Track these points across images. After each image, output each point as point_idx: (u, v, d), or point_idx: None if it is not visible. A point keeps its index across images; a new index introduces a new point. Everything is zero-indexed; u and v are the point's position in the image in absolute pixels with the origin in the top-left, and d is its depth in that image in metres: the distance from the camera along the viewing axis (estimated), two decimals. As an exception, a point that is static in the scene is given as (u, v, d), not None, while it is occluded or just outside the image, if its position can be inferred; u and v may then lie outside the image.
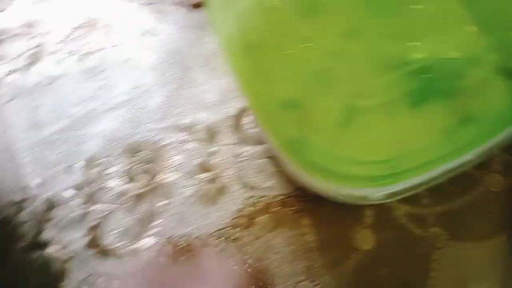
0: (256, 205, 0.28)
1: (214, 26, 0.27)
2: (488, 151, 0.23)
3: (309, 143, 0.23)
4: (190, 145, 0.29)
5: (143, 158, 0.29)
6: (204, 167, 0.28)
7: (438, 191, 0.26)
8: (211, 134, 0.29)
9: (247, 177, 0.28)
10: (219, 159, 0.29)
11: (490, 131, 0.22)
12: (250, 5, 0.26)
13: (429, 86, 0.23)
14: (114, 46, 0.32)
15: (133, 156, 0.29)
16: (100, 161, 0.29)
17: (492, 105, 0.23)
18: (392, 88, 0.23)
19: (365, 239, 0.27)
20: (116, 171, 0.29)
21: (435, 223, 0.27)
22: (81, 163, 0.29)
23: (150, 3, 0.33)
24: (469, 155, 0.23)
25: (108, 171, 0.29)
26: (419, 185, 0.23)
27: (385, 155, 0.22)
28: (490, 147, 0.23)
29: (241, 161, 0.28)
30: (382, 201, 0.24)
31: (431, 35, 0.24)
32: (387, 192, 0.23)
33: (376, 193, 0.23)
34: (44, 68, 0.32)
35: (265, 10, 0.25)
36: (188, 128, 0.30)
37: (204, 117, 0.30)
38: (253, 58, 0.24)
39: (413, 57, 0.23)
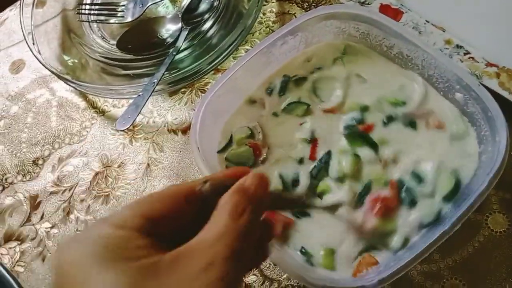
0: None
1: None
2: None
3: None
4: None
5: None
6: None
7: (445, 242, 0.26)
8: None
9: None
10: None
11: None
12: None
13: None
14: (128, 183, 0.37)
15: None
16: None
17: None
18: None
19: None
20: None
21: (451, 276, 0.28)
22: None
23: (147, 138, 0.38)
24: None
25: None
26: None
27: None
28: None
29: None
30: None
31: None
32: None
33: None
34: (75, 217, 0.37)
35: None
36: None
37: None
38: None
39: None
